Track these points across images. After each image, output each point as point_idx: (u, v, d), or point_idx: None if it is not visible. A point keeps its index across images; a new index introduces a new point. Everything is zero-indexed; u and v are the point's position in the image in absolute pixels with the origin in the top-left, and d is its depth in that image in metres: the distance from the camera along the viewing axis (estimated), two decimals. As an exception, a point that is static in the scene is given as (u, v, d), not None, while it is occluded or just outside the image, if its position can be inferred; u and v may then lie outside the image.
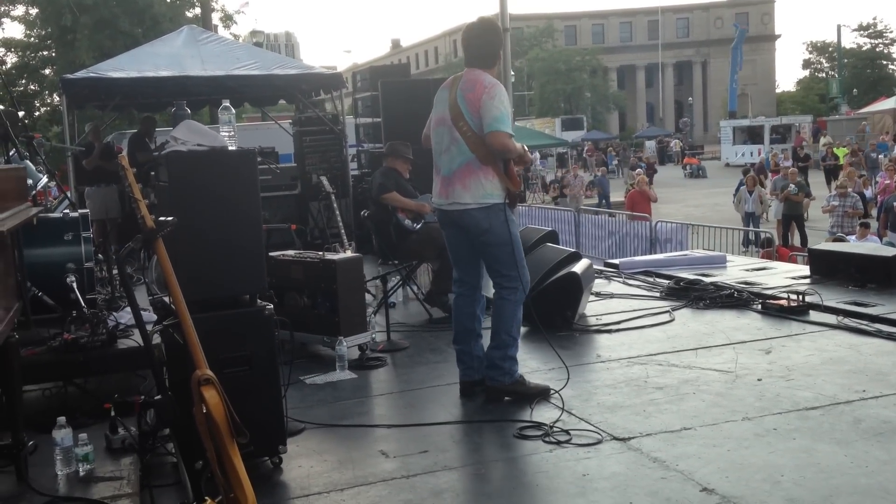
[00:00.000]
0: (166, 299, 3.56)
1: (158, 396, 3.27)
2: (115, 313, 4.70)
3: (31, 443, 3.56)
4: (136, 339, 4.24)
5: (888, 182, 16.55)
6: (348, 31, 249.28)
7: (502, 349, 4.45)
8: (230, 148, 3.78)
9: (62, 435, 3.40)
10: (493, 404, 4.43)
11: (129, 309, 4.28)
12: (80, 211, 5.33)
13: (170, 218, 3.24)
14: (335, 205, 7.85)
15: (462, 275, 4.63)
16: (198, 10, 22.14)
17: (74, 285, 4.66)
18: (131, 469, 3.50)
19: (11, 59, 24.24)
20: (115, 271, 5.58)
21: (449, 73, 6.98)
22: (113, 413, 3.79)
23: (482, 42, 4.47)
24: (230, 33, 22.95)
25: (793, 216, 16.21)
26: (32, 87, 24.62)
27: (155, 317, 4.01)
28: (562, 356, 4.73)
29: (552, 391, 4.47)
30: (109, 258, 5.99)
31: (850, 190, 14.81)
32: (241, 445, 2.89)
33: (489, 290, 4.69)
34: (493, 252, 4.45)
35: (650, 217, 14.95)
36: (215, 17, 22.03)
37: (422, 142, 4.78)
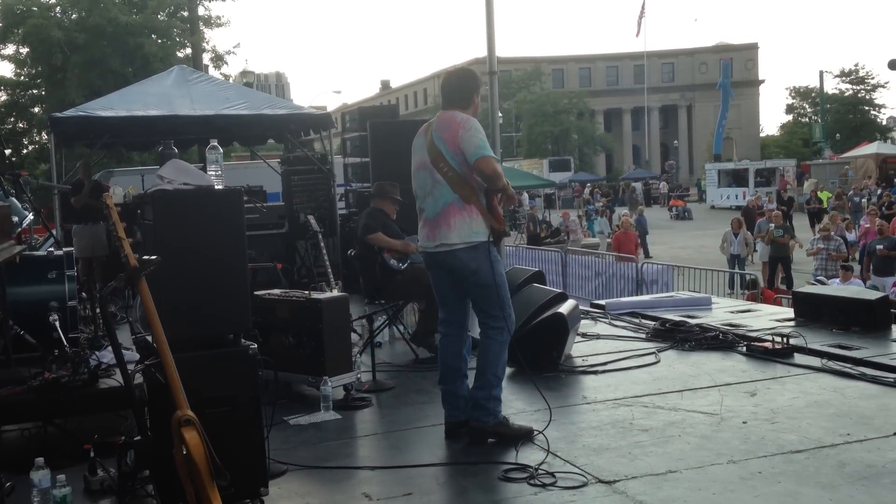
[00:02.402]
0: (149, 338, 3.54)
1: (139, 437, 3.23)
2: (97, 352, 4.65)
3: (8, 484, 3.51)
4: (117, 378, 4.21)
5: (868, 226, 16.68)
6: (338, 72, 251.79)
7: (487, 389, 4.43)
8: (217, 187, 3.79)
9: (40, 476, 3.34)
10: (477, 446, 4.40)
11: (111, 348, 4.25)
12: (64, 249, 5.31)
13: (153, 257, 3.24)
14: (322, 244, 7.86)
15: (448, 315, 4.63)
16: (189, 51, 22.32)
17: (57, 324, 4.63)
18: (110, 511, 3.45)
19: (0, 97, 24.29)
20: (97, 310, 5.55)
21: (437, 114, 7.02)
22: (92, 454, 3.74)
23: (458, 87, 4.58)
24: (221, 73, 23.13)
25: (779, 258, 16.31)
26: (21, 125, 24.63)
27: (137, 356, 3.97)
28: (547, 397, 4.71)
29: (535, 432, 4.44)
30: (93, 297, 5.96)
31: (833, 233, 14.94)
32: (221, 487, 2.86)
33: (475, 331, 4.69)
34: (480, 293, 4.47)
35: (636, 258, 15.03)
36: (206, 58, 22.22)
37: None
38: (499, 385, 4.47)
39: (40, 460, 3.39)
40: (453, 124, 4.40)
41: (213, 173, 3.90)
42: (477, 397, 4.45)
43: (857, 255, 16.90)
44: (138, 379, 3.71)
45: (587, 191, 44.86)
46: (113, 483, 3.62)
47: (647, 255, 23.25)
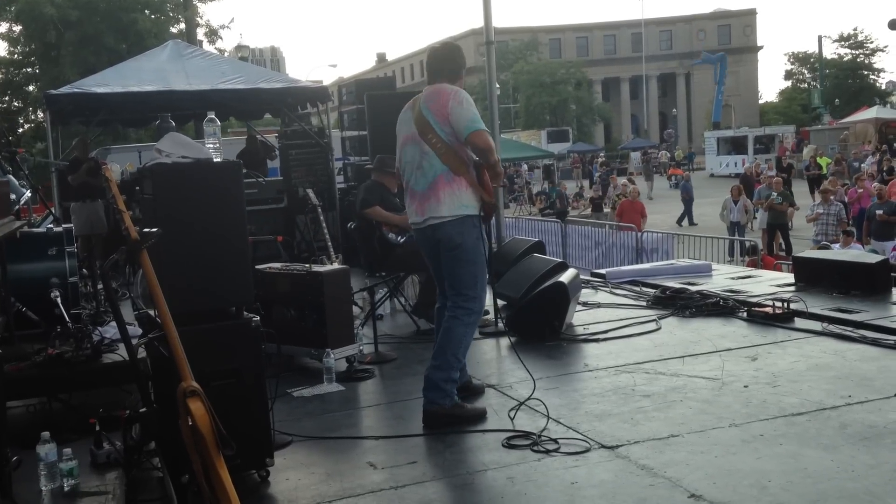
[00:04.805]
0: (152, 313, 3.54)
1: (144, 409, 3.24)
2: (99, 328, 4.66)
3: (15, 458, 3.52)
4: (121, 353, 4.21)
5: (860, 191, 16.63)
6: (334, 46, 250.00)
7: (445, 371, 4.31)
8: (215, 160, 3.77)
9: (46, 450, 3.36)
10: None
11: (114, 324, 4.25)
12: (64, 226, 5.30)
13: (154, 229, 3.23)
14: (322, 217, 7.85)
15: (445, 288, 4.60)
16: (182, 26, 22.14)
17: (59, 300, 4.62)
18: (117, 483, 3.47)
19: (-5, 76, 24.15)
20: (99, 286, 5.55)
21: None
22: (98, 428, 3.75)
23: (449, 60, 4.50)
24: (215, 48, 22.94)
25: (777, 225, 16.30)
26: (16, 104, 24.52)
27: (140, 332, 3.98)
28: (549, 365, 4.74)
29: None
30: (94, 273, 5.96)
31: (833, 198, 14.90)
32: (227, 458, 2.87)
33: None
34: (459, 269, 4.36)
35: (636, 227, 15.02)
36: (200, 33, 22.04)
37: (396, 176, 4.77)
38: (458, 367, 4.37)
39: (46, 434, 3.40)
40: (442, 95, 4.31)
41: (212, 146, 3.87)
42: (434, 379, 4.30)
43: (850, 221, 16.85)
44: (141, 353, 3.72)
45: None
46: (119, 456, 3.64)
47: (691, 222, 23.04)
